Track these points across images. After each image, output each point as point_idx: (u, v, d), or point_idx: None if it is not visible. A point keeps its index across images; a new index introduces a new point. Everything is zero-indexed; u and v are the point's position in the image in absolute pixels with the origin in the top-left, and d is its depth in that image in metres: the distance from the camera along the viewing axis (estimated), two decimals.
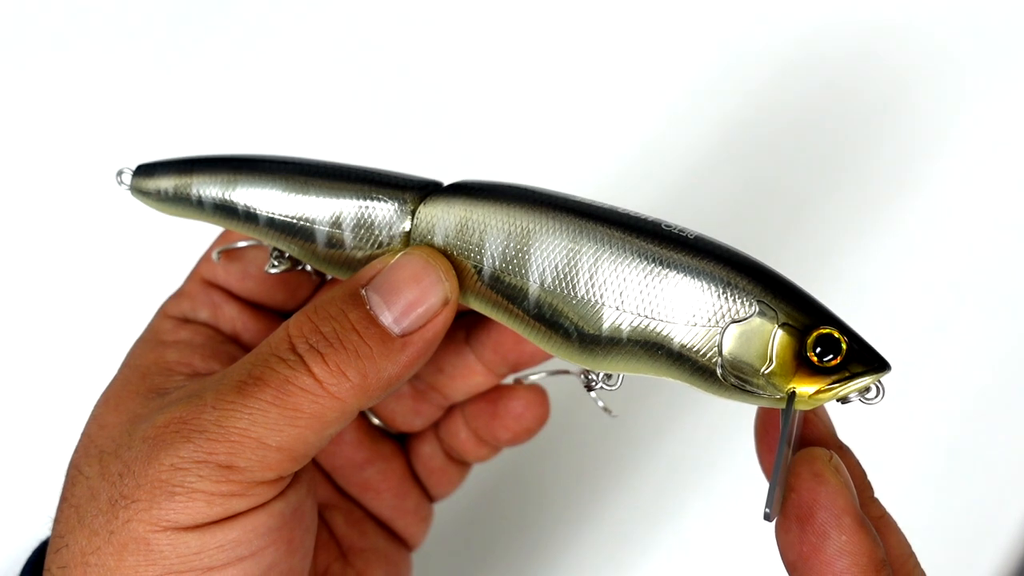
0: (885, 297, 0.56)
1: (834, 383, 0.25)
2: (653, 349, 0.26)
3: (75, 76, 0.58)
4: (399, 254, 0.28)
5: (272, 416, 0.26)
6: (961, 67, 0.63)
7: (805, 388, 0.25)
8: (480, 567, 0.48)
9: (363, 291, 0.27)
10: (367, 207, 0.29)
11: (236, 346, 0.32)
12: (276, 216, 0.30)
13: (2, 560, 0.43)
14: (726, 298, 0.26)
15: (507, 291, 0.28)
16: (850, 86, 0.62)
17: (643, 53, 0.62)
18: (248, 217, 0.30)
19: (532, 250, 0.27)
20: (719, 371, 0.26)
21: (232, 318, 0.33)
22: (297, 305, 0.34)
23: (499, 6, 0.63)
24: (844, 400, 0.26)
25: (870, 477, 0.28)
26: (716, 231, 0.28)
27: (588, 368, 0.28)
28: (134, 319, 0.34)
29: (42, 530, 0.30)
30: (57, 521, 0.28)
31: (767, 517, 0.24)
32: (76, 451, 0.29)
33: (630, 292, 0.26)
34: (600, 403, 0.34)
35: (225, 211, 0.30)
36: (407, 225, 0.29)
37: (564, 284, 0.27)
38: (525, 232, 0.27)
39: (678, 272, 0.26)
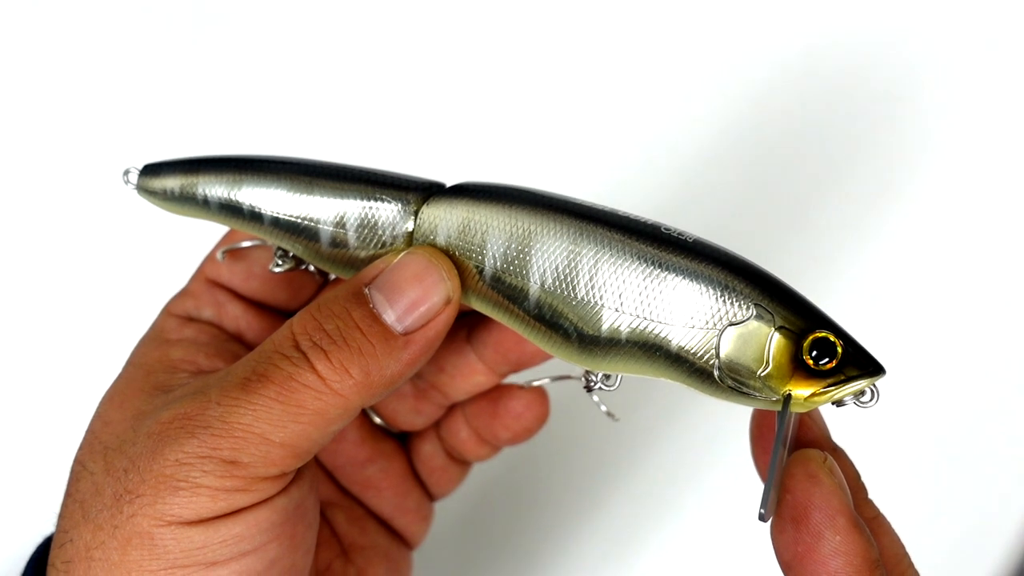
0: (882, 298, 0.56)
1: (829, 386, 0.25)
2: (651, 350, 0.27)
3: (81, 76, 0.59)
4: (402, 253, 0.28)
5: (276, 412, 0.26)
6: (959, 70, 0.63)
7: (801, 391, 0.26)
8: (479, 566, 0.48)
9: (366, 290, 0.27)
10: (371, 207, 0.30)
11: (240, 345, 0.33)
12: (281, 216, 0.30)
13: (6, 557, 0.43)
14: (724, 301, 0.26)
15: (508, 291, 0.28)
16: (849, 89, 0.62)
17: (644, 57, 0.62)
18: (253, 216, 0.31)
19: (533, 251, 0.27)
20: (716, 373, 0.26)
21: (236, 317, 0.33)
22: (300, 304, 0.34)
23: (502, 9, 0.63)
24: (839, 403, 0.26)
25: (868, 479, 0.28)
26: (715, 233, 0.28)
27: (587, 368, 0.28)
28: (138, 317, 0.34)
29: (46, 526, 0.30)
30: (61, 516, 0.28)
31: (762, 518, 0.24)
32: (81, 447, 0.29)
33: (629, 294, 0.26)
34: (603, 407, 0.34)
35: (230, 210, 0.31)
36: (410, 225, 0.29)
37: (564, 285, 0.27)
38: (526, 233, 0.28)
39: (677, 275, 0.26)
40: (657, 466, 0.51)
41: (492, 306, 0.29)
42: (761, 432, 0.29)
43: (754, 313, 0.26)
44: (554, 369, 0.35)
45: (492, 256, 0.28)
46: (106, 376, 0.31)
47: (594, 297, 0.27)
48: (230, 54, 0.60)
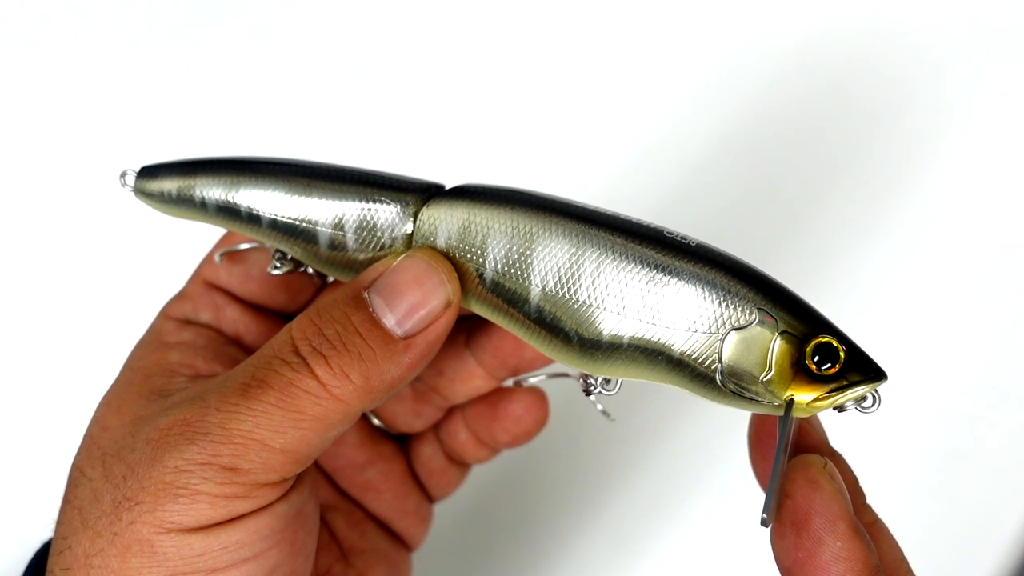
0: (881, 300, 0.56)
1: (831, 391, 0.25)
2: (653, 355, 0.26)
3: (77, 78, 0.58)
4: (401, 256, 0.28)
5: (276, 418, 0.26)
6: (960, 68, 0.63)
7: (803, 396, 0.25)
8: (479, 568, 0.48)
9: (366, 293, 0.27)
10: (369, 209, 0.29)
11: (238, 348, 0.32)
12: (279, 218, 0.30)
13: (3, 562, 0.43)
14: (727, 306, 0.26)
15: (508, 295, 0.28)
16: (849, 89, 0.62)
17: (643, 59, 0.62)
18: (251, 219, 0.30)
19: (535, 254, 0.27)
20: (718, 378, 0.26)
21: (234, 320, 0.33)
22: (299, 307, 0.34)
23: (501, 11, 0.63)
24: (841, 409, 0.26)
25: (866, 481, 0.28)
26: (716, 235, 0.28)
27: (587, 373, 0.28)
28: (135, 320, 0.34)
29: (44, 532, 0.30)
30: (60, 523, 0.28)
31: (764, 523, 0.24)
32: (78, 453, 0.29)
33: (632, 298, 0.26)
34: (599, 407, 0.34)
35: (228, 213, 0.31)
36: (409, 227, 0.29)
37: (566, 289, 0.27)
38: (528, 236, 0.27)
39: (680, 279, 0.26)
40: (657, 469, 0.51)
41: (492, 309, 0.28)
42: (759, 438, 0.28)
43: (757, 318, 0.26)
44: (551, 369, 0.35)
45: (493, 259, 0.28)
46: (103, 379, 0.31)
47: (596, 301, 0.27)
48: (229, 55, 0.60)
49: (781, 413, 0.26)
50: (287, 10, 0.61)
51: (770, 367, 0.25)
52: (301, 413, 0.26)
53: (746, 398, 0.26)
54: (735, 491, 0.49)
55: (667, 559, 0.49)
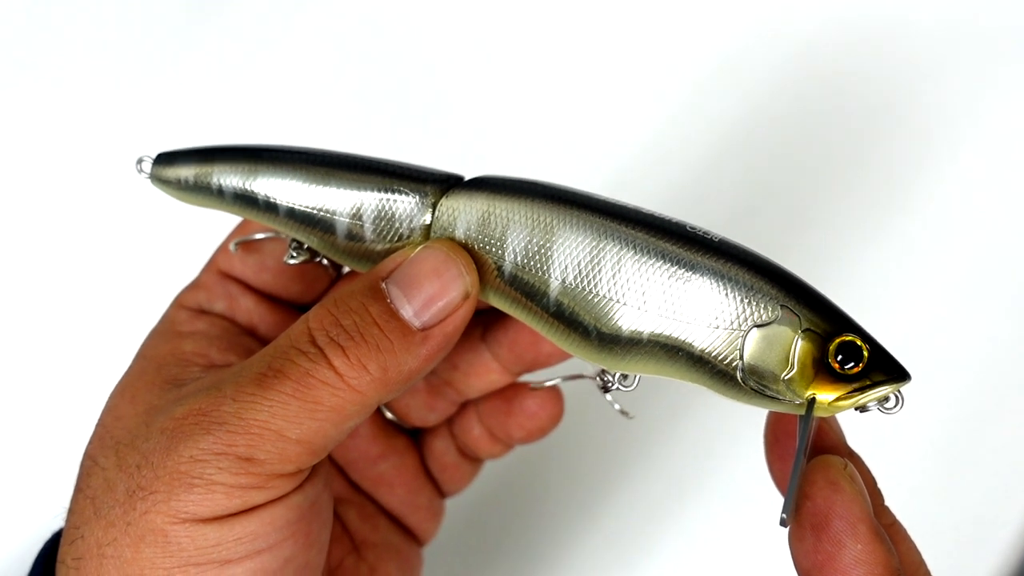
0: (882, 299, 0.56)
1: (854, 391, 0.25)
2: (673, 351, 0.26)
3: (90, 67, 0.58)
4: (420, 247, 0.28)
5: (292, 409, 0.25)
6: (969, 66, 0.62)
7: (825, 395, 0.25)
8: (485, 564, 0.48)
9: (384, 284, 0.27)
10: (388, 199, 0.29)
11: (252, 339, 0.32)
12: (296, 207, 0.30)
13: (12, 554, 0.42)
14: (749, 302, 0.25)
15: (527, 287, 0.27)
16: (857, 87, 0.62)
17: (649, 57, 0.62)
18: (268, 207, 0.30)
19: (555, 247, 0.27)
20: (739, 375, 0.26)
21: (248, 310, 0.33)
22: (314, 298, 0.34)
23: (509, 11, 0.62)
24: (863, 409, 0.26)
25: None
26: (727, 229, 0.28)
27: (604, 368, 0.27)
28: (148, 310, 0.34)
29: (54, 522, 0.30)
30: (72, 512, 0.28)
31: (783, 523, 0.24)
32: (91, 442, 0.29)
33: (653, 293, 0.26)
34: (617, 406, 0.34)
35: (245, 200, 0.30)
36: (428, 218, 0.29)
37: (586, 282, 0.27)
38: (548, 228, 0.27)
39: (702, 275, 0.26)
40: (667, 466, 0.50)
41: (510, 302, 0.28)
42: (776, 438, 0.28)
43: (780, 315, 0.25)
44: (566, 369, 0.34)
45: (512, 251, 0.27)
46: (115, 369, 0.31)
47: (616, 295, 0.26)
48: (242, 44, 0.60)
49: (802, 412, 0.25)
50: (301, 3, 0.61)
51: (792, 365, 0.25)
52: (318, 404, 0.26)
53: (767, 396, 0.25)
54: (746, 488, 0.49)
55: (676, 557, 0.49)
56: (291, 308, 0.34)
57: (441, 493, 0.37)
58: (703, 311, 0.26)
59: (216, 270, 0.33)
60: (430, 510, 0.37)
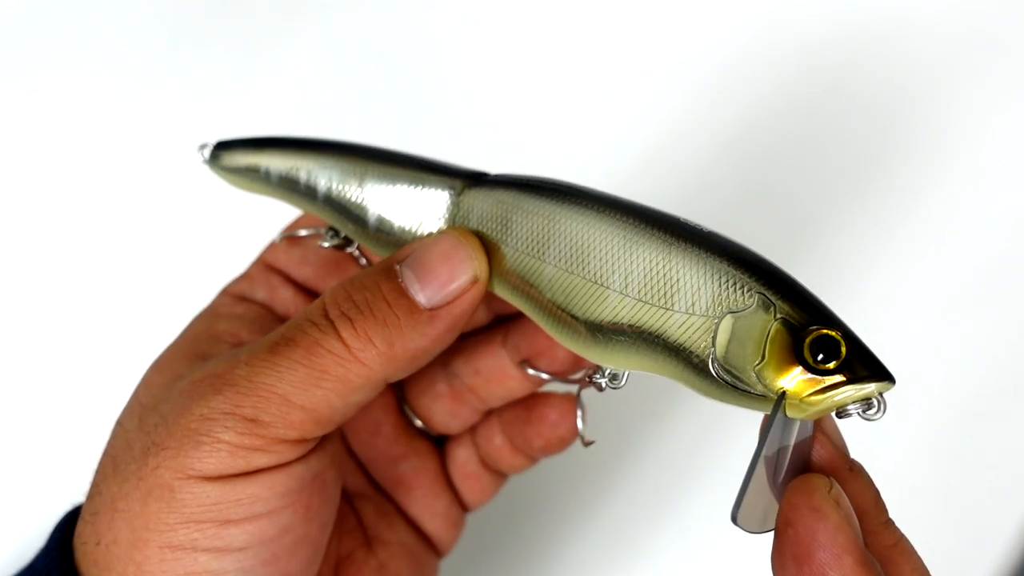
0: (886, 300, 0.55)
1: (828, 388, 0.24)
2: (652, 339, 0.26)
3: (156, 59, 0.61)
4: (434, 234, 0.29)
5: (299, 375, 0.26)
6: (974, 72, 0.61)
7: (797, 390, 0.24)
8: (481, 565, 0.47)
9: (398, 266, 0.28)
10: (418, 193, 0.31)
11: None
12: (333, 194, 0.32)
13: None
14: (726, 288, 0.25)
15: (527, 272, 0.28)
16: (861, 93, 0.61)
17: (652, 60, 0.62)
18: (308, 191, 0.32)
19: (553, 233, 0.28)
20: (712, 367, 0.25)
21: (286, 300, 0.34)
22: None
23: (516, 15, 0.64)
24: (842, 414, 0.24)
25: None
26: (725, 227, 0.28)
27: (595, 361, 0.27)
28: (187, 309, 0.35)
29: (77, 497, 0.31)
30: (95, 473, 0.29)
31: (733, 519, 0.23)
32: (123, 411, 0.30)
33: (634, 277, 0.26)
34: (580, 425, 0.34)
35: (288, 185, 0.33)
36: (452, 211, 0.30)
37: (575, 265, 0.27)
38: (549, 217, 0.28)
39: (683, 259, 0.26)
40: (662, 467, 0.50)
41: (513, 291, 0.29)
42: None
43: (756, 302, 0.25)
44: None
45: (515, 237, 0.28)
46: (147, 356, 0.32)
47: (602, 279, 0.27)
48: (263, 38, 0.61)
49: (774, 408, 0.24)
50: (318, 7, 0.63)
51: (764, 354, 0.24)
52: (324, 372, 0.26)
53: (739, 390, 0.25)
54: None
55: (671, 558, 0.48)
56: None
57: (463, 505, 0.37)
58: (680, 296, 0.25)
59: (263, 264, 0.35)
60: (448, 518, 0.36)
